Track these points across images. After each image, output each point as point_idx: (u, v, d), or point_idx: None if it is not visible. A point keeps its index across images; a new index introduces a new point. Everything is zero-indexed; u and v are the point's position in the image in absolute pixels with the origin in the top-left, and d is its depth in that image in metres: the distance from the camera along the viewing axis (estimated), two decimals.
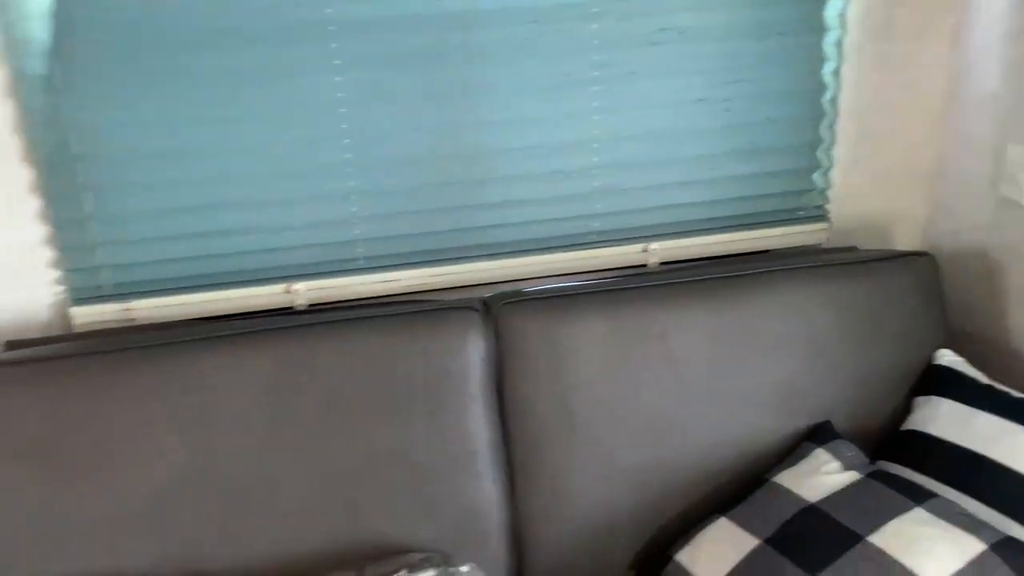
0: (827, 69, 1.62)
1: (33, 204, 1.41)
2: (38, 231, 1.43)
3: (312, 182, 1.48)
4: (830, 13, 1.58)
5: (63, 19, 1.31)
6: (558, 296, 1.43)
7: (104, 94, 1.36)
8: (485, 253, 1.61)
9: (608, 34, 1.51)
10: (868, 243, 1.77)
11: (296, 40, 1.40)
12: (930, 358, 1.52)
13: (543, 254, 1.62)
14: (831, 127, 1.66)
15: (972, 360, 1.51)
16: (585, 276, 1.64)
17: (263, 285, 1.52)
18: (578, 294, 1.43)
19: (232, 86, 1.40)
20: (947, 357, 1.50)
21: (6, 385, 1.25)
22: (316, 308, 1.54)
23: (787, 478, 1.38)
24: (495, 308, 1.42)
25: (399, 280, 1.58)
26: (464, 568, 1.31)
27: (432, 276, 1.59)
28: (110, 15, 1.33)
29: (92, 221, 1.43)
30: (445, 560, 1.31)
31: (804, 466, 1.39)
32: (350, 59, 1.43)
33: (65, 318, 1.48)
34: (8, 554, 1.23)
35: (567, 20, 1.48)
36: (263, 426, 1.29)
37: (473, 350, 1.38)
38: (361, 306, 1.48)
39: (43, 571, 1.24)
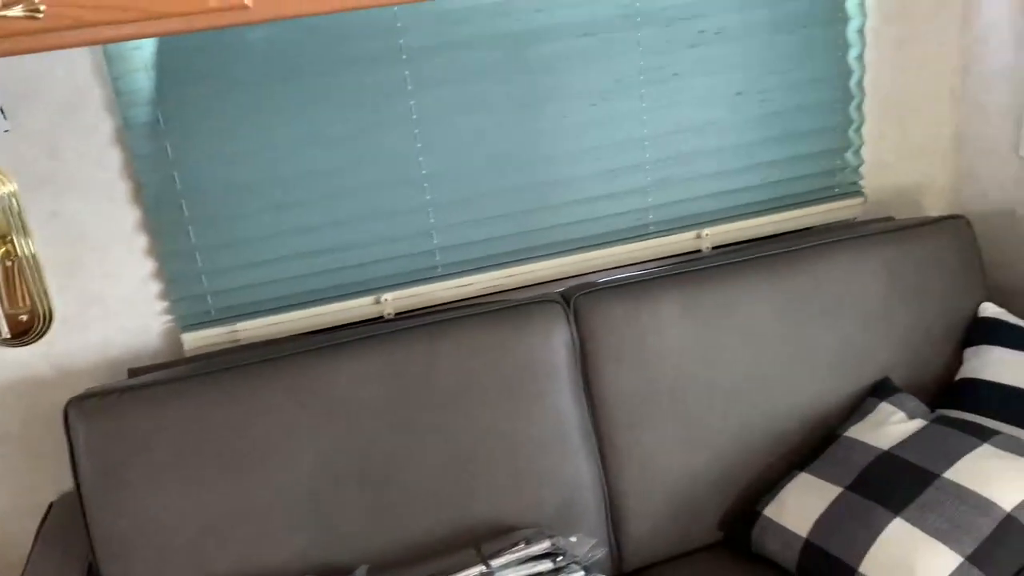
0: (852, 55, 1.75)
1: (141, 241, 1.53)
2: (147, 265, 1.55)
3: (393, 197, 1.61)
4: (851, 3, 1.72)
5: (164, 69, 1.44)
6: (631, 283, 1.55)
7: (203, 133, 1.48)
8: (551, 252, 1.73)
9: (652, 41, 1.63)
10: (901, 213, 1.90)
11: (373, 68, 1.52)
12: (974, 312, 1.64)
13: (604, 248, 1.74)
14: (859, 108, 1.79)
15: (1012, 311, 1.64)
16: (645, 265, 1.76)
17: (355, 298, 1.63)
18: (649, 279, 1.55)
19: (316, 115, 1.52)
20: (990, 309, 1.62)
21: (158, 403, 1.36)
22: (403, 316, 1.66)
23: (858, 431, 1.50)
24: (574, 299, 1.54)
25: (475, 283, 1.70)
26: (573, 539, 1.42)
27: (504, 277, 1.71)
28: (205, 62, 1.45)
29: (196, 252, 1.54)
30: (553, 534, 1.42)
31: (871, 419, 1.51)
32: (421, 82, 1.55)
33: (176, 343, 1.59)
34: (168, 555, 1.34)
35: (615, 31, 1.61)
36: (388, 421, 1.40)
37: (559, 339, 1.50)
38: (448, 309, 1.59)
39: (203, 568, 1.35)
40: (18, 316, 1.49)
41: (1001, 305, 1.64)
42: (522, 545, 1.37)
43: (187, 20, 1.00)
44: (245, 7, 1.01)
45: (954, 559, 1.24)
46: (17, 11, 0.93)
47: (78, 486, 1.35)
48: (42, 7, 0.94)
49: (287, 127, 1.52)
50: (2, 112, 1.39)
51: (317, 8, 1.05)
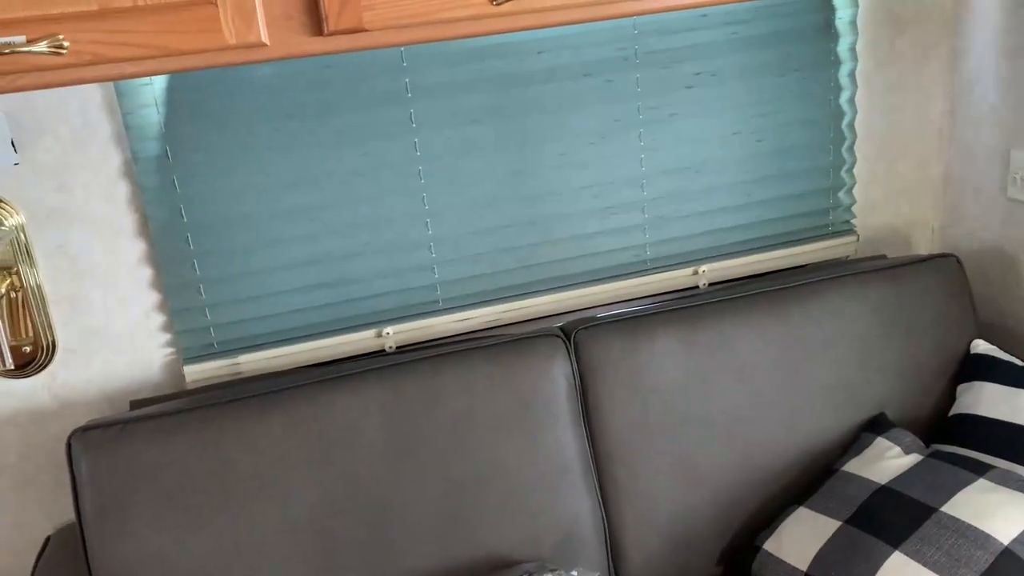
0: (843, 97, 1.80)
1: (146, 273, 1.55)
2: (151, 298, 1.56)
3: (395, 233, 1.63)
4: (842, 48, 1.77)
5: (173, 104, 1.46)
6: (630, 318, 1.57)
7: (210, 167, 1.51)
8: (550, 287, 1.76)
9: (649, 82, 1.68)
10: (893, 252, 1.94)
11: (379, 106, 1.56)
12: (967, 349, 1.67)
13: (603, 283, 1.77)
14: (851, 149, 1.84)
15: (1003, 348, 1.67)
16: (643, 300, 1.79)
17: (357, 331, 1.65)
18: (648, 315, 1.57)
19: (321, 151, 1.55)
20: (982, 346, 1.65)
21: (161, 436, 1.36)
22: (405, 349, 1.67)
23: (855, 466, 1.51)
24: (574, 334, 1.56)
25: (475, 317, 1.72)
26: (574, 573, 1.42)
27: (503, 312, 1.73)
28: (214, 98, 1.48)
29: (200, 284, 1.56)
30: (555, 568, 1.43)
31: (868, 454, 1.53)
32: (425, 120, 1.58)
33: (178, 375, 1.60)
34: None
35: (613, 72, 1.65)
36: (388, 453, 1.41)
37: (559, 372, 1.51)
38: (448, 343, 1.61)
39: None
40: (21, 347, 1.49)
41: (992, 342, 1.68)
42: None
43: (206, 57, 1.03)
44: (263, 45, 1.04)
45: None
46: (42, 47, 0.96)
47: (79, 518, 1.35)
48: (66, 43, 0.97)
49: (293, 162, 1.55)
50: (13, 145, 1.41)
51: (331, 47, 1.08)
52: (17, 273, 1.46)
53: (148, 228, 1.52)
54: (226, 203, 1.53)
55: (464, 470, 1.45)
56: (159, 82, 1.45)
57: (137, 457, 1.36)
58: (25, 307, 1.48)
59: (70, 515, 1.60)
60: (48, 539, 1.56)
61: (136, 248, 1.53)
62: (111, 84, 1.44)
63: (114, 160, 1.48)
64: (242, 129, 1.51)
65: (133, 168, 1.48)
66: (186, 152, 1.49)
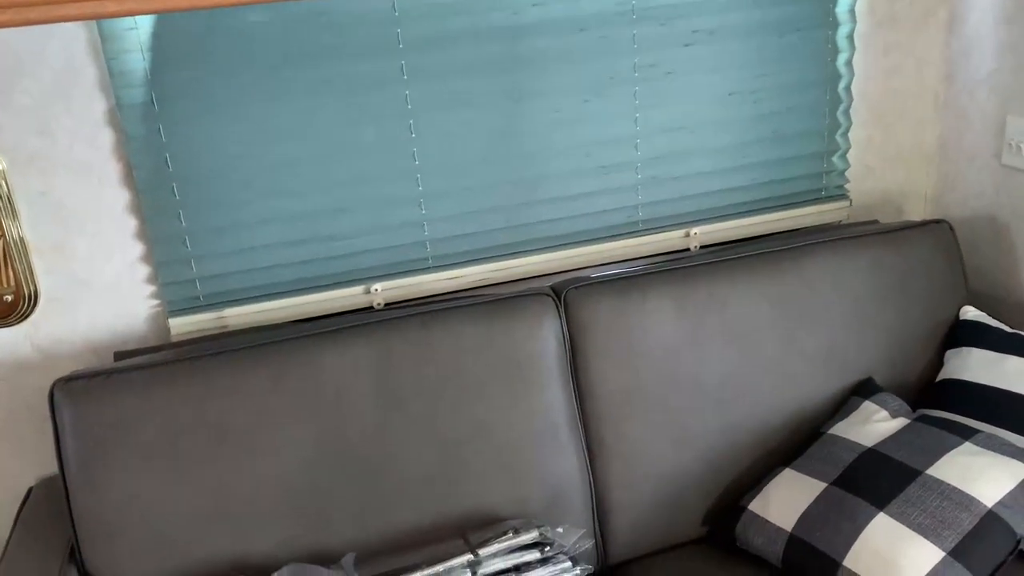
0: (841, 60, 1.78)
1: (131, 223, 1.52)
2: (136, 249, 1.53)
3: (385, 188, 1.60)
4: (841, 8, 1.74)
5: (159, 51, 1.43)
6: (621, 279, 1.56)
7: (197, 117, 1.47)
8: (541, 247, 1.74)
9: (646, 38, 1.65)
10: (885, 217, 1.93)
11: (369, 58, 1.52)
12: (956, 315, 1.67)
13: (593, 244, 1.76)
14: (847, 112, 1.82)
15: (991, 315, 1.67)
16: (634, 262, 1.78)
17: (345, 287, 1.63)
18: (640, 275, 1.56)
19: (311, 102, 1.52)
20: (972, 312, 1.66)
21: (145, 387, 1.35)
22: (393, 306, 1.65)
23: (842, 428, 1.52)
24: (564, 293, 1.54)
25: (465, 276, 1.70)
26: (560, 529, 1.43)
27: (493, 271, 1.72)
28: (201, 45, 1.44)
29: (186, 236, 1.53)
30: (541, 524, 1.43)
31: (855, 417, 1.53)
32: (417, 73, 1.55)
33: (163, 328, 1.58)
34: (152, 540, 1.33)
35: (610, 27, 1.62)
36: (375, 410, 1.40)
37: (549, 332, 1.50)
38: (437, 301, 1.59)
39: (188, 554, 1.34)
40: (3, 296, 1.47)
41: (981, 309, 1.68)
42: (510, 535, 1.38)
43: None
44: None
45: (936, 553, 1.26)
46: None
47: (62, 469, 1.33)
48: None
49: (282, 113, 1.52)
50: None
51: None
52: None
53: (133, 177, 1.49)
54: (213, 154, 1.50)
55: (452, 427, 1.44)
56: (145, 27, 1.41)
57: (121, 408, 1.34)
58: (6, 255, 1.45)
59: (52, 468, 1.59)
60: (30, 490, 1.55)
61: (121, 197, 1.50)
62: (95, 28, 1.39)
63: (99, 106, 1.44)
64: (230, 78, 1.47)
65: (118, 115, 1.45)
66: (172, 100, 1.46)
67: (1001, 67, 1.71)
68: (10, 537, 1.42)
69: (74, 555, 1.35)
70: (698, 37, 1.67)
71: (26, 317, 1.50)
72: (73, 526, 1.34)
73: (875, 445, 1.44)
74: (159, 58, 1.43)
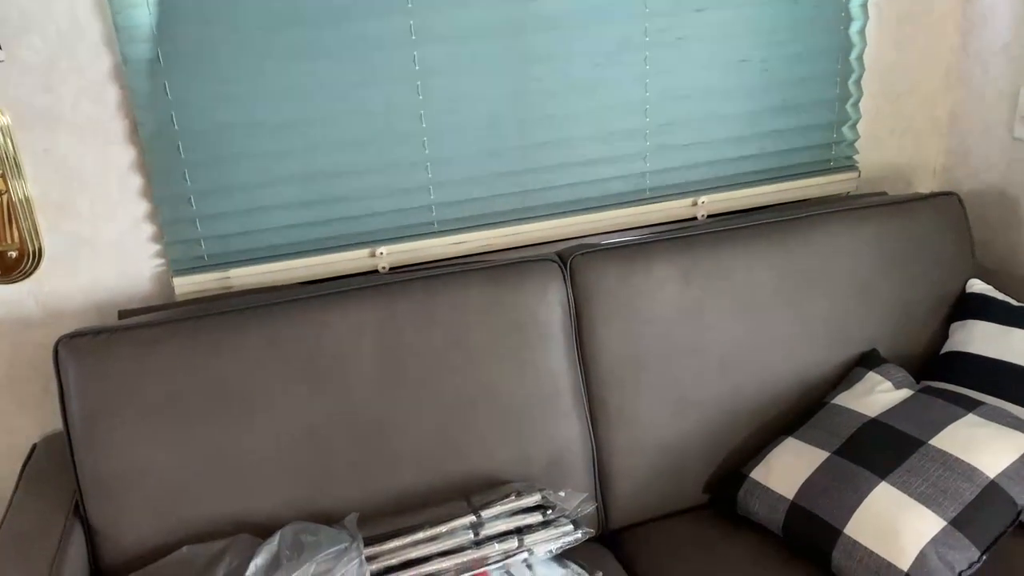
0: (853, 28, 1.76)
1: (136, 182, 1.51)
2: (141, 207, 1.53)
3: (392, 150, 1.59)
4: None
5: (166, 6, 1.41)
6: (627, 246, 1.55)
7: (203, 74, 1.46)
8: (547, 213, 1.73)
9: (658, 2, 1.63)
10: (894, 189, 1.92)
11: (377, 17, 1.50)
12: (962, 287, 1.67)
13: (600, 211, 1.74)
14: (858, 82, 1.80)
15: (998, 288, 1.66)
16: (640, 230, 1.77)
17: (350, 250, 1.62)
18: (646, 243, 1.55)
19: (318, 62, 1.50)
20: (978, 285, 1.65)
21: (149, 345, 1.34)
22: (398, 270, 1.65)
23: (845, 399, 1.52)
24: (570, 260, 1.54)
25: (470, 241, 1.69)
26: (561, 493, 1.43)
27: (499, 236, 1.71)
28: (208, 1, 1.42)
29: (191, 195, 1.52)
30: (544, 487, 1.43)
31: (859, 388, 1.53)
32: (425, 33, 1.53)
33: (167, 288, 1.57)
34: (156, 497, 1.34)
35: None
36: (380, 373, 1.40)
37: (554, 298, 1.50)
38: (443, 265, 1.59)
39: (191, 511, 1.35)
40: (7, 253, 1.46)
41: (988, 282, 1.67)
42: (512, 497, 1.38)
43: None
44: None
45: (937, 522, 1.27)
46: None
47: (66, 425, 1.33)
48: None
49: (288, 73, 1.50)
50: None
51: None
52: (2, 176, 1.42)
53: (138, 135, 1.47)
54: (219, 112, 1.49)
55: (456, 391, 1.44)
56: None
57: (125, 365, 1.34)
58: (10, 211, 1.44)
59: (56, 424, 1.59)
60: (35, 447, 1.55)
61: (126, 155, 1.49)
62: None
63: (104, 62, 1.43)
64: (237, 35, 1.46)
65: (123, 72, 1.44)
66: (178, 57, 1.44)
67: (1016, 39, 1.69)
68: (14, 492, 1.42)
69: (78, 510, 1.36)
70: (710, 2, 1.65)
71: (30, 274, 1.49)
72: (77, 482, 1.34)
73: (878, 415, 1.44)
74: (166, 14, 1.41)
